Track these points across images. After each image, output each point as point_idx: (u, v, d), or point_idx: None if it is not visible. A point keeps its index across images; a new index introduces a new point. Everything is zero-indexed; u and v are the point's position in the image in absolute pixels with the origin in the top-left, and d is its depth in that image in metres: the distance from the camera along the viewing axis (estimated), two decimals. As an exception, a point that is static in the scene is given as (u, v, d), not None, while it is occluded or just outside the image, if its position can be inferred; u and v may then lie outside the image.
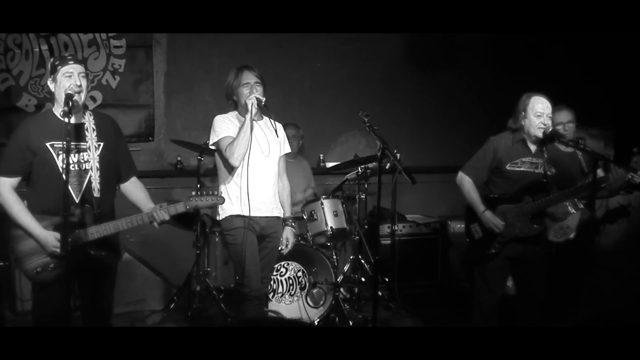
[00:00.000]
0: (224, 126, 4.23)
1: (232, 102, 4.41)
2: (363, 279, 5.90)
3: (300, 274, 5.46)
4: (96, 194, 3.54)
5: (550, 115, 4.28)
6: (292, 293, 5.43)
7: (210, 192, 3.70)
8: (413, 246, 6.60)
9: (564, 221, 4.80)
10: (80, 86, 3.50)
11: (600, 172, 4.43)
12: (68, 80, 3.49)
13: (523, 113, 4.31)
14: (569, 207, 4.75)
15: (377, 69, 7.25)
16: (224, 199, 3.80)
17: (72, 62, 3.53)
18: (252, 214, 4.18)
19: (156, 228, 3.68)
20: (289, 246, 4.43)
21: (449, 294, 6.47)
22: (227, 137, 4.20)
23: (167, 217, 3.63)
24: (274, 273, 5.32)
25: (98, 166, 3.57)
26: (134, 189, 3.85)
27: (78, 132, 3.55)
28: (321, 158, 7.11)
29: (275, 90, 6.90)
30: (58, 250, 3.37)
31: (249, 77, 4.30)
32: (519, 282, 4.56)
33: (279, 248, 4.42)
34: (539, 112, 4.25)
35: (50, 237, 3.45)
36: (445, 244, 6.67)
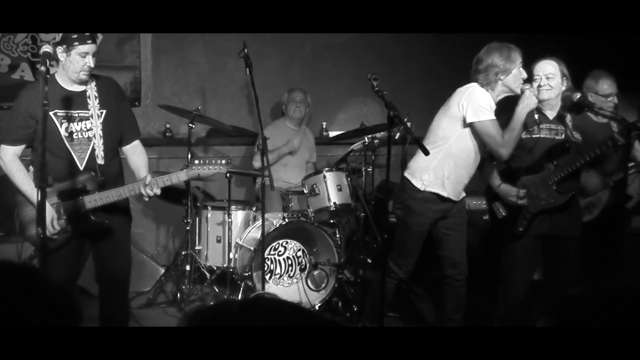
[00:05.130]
0: None
1: None
2: (369, 260, 5.88)
3: (300, 253, 5.45)
4: (100, 161, 3.82)
5: (551, 76, 4.20)
6: (291, 275, 5.42)
7: (215, 161, 3.84)
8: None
9: (591, 197, 4.77)
10: (91, 67, 3.75)
11: (637, 146, 4.39)
12: (82, 59, 3.70)
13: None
14: (597, 181, 4.71)
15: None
16: (227, 169, 3.95)
17: (89, 41, 3.72)
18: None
19: (145, 200, 3.88)
20: None
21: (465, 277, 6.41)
22: None
23: (156, 191, 3.78)
24: (271, 252, 5.32)
25: (101, 134, 3.83)
26: (132, 154, 4.06)
27: (80, 100, 3.81)
28: (324, 127, 7.08)
29: (273, 53, 6.86)
30: (50, 227, 3.64)
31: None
32: (547, 265, 4.54)
33: None
34: (536, 75, 4.23)
35: (51, 213, 3.68)
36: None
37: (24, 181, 3.77)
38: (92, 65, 3.75)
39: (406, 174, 4.40)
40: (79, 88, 3.83)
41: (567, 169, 4.21)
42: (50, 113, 3.70)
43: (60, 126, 3.76)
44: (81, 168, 3.79)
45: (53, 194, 3.74)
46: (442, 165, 4.26)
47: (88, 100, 3.83)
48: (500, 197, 4.37)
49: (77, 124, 3.79)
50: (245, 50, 4.69)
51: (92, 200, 3.76)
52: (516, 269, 4.38)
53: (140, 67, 6.42)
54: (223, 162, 3.84)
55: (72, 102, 3.80)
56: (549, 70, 4.18)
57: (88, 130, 3.81)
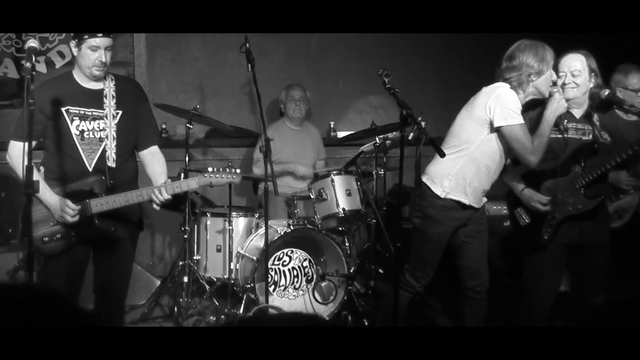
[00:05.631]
0: None
1: None
2: (381, 271, 5.85)
3: (306, 263, 5.42)
4: (111, 163, 3.85)
5: (576, 73, 4.15)
6: (297, 286, 5.40)
7: (230, 170, 3.91)
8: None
9: (622, 201, 4.72)
10: (104, 63, 3.78)
11: None
12: (93, 53, 3.75)
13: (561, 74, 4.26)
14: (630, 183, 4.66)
15: (397, 21, 7.16)
16: (240, 178, 4.00)
17: (100, 34, 3.74)
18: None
19: (156, 209, 3.90)
20: None
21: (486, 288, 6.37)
22: None
23: (166, 197, 3.82)
24: (275, 262, 5.28)
25: (115, 135, 3.88)
26: (150, 160, 4.08)
27: (96, 98, 3.87)
28: (331, 127, 7.07)
29: (276, 47, 6.83)
30: (67, 216, 3.72)
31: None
32: (574, 275, 4.49)
33: None
34: (561, 72, 4.19)
35: (61, 202, 3.74)
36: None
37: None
38: (105, 60, 3.77)
39: (425, 179, 4.33)
40: (96, 86, 3.88)
41: (596, 172, 4.15)
42: (63, 109, 3.80)
43: (71, 123, 3.81)
44: (90, 169, 3.83)
45: (61, 195, 3.79)
46: (464, 171, 4.20)
47: (104, 99, 3.88)
48: (522, 202, 4.32)
49: (90, 123, 3.84)
50: (247, 45, 4.67)
51: (99, 204, 3.77)
52: (541, 281, 4.34)
53: (134, 63, 6.45)
54: (237, 171, 3.91)
55: (87, 99, 3.84)
56: (575, 66, 4.13)
57: (101, 130, 3.85)
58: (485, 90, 4.19)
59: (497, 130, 4.10)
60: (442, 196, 4.21)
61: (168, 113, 5.84)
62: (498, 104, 4.06)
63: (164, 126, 6.44)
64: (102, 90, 3.89)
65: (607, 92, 4.16)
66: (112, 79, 3.95)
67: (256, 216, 5.72)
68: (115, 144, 3.87)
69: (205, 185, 3.95)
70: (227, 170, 3.92)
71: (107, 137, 3.86)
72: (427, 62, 7.26)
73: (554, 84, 4.14)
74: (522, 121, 4.06)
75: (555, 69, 4.18)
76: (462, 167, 4.19)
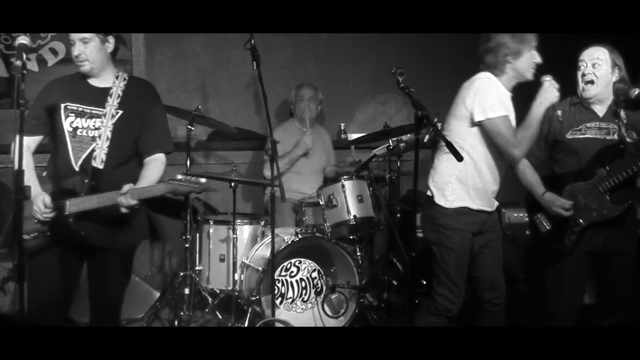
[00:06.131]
0: None
1: None
2: (395, 282, 5.85)
3: (315, 274, 5.43)
4: (97, 164, 3.82)
5: (597, 63, 4.15)
6: (306, 299, 5.40)
7: (196, 179, 3.76)
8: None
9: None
10: (77, 56, 3.82)
11: None
12: (73, 48, 3.83)
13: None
14: None
15: (412, 17, 7.16)
16: (203, 189, 3.82)
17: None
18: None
19: (125, 213, 3.77)
20: None
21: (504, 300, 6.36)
22: None
23: (132, 202, 3.70)
24: (282, 273, 5.28)
25: (109, 135, 3.86)
26: (147, 166, 4.00)
27: (99, 97, 3.90)
28: (342, 128, 7.06)
29: (283, 44, 6.84)
30: (36, 213, 3.73)
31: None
32: (599, 286, 4.48)
33: None
34: (581, 62, 4.22)
35: (37, 198, 3.74)
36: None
37: (30, 179, 3.72)
38: (79, 53, 3.81)
39: (431, 187, 4.28)
40: (103, 84, 3.92)
41: (622, 175, 4.14)
42: (62, 105, 3.85)
43: (65, 120, 3.85)
44: (76, 168, 3.83)
45: (47, 192, 3.80)
46: (464, 175, 4.16)
47: (108, 98, 3.89)
48: (543, 207, 4.32)
49: (86, 121, 3.86)
50: (252, 42, 4.67)
51: (74, 205, 3.74)
52: (564, 292, 4.33)
53: (132, 61, 6.46)
54: (202, 180, 3.73)
55: (90, 97, 3.88)
56: (597, 56, 4.15)
57: (95, 129, 3.85)
58: (465, 84, 4.20)
59: (479, 125, 4.08)
60: (448, 206, 4.17)
61: (168, 114, 5.81)
62: (476, 98, 4.06)
63: (163, 128, 6.44)
64: (108, 88, 3.92)
65: (637, 91, 4.15)
66: (124, 79, 3.97)
67: (262, 224, 5.71)
68: (107, 144, 3.85)
69: (170, 192, 3.77)
70: (193, 179, 3.74)
71: (99, 136, 3.84)
72: (443, 62, 7.24)
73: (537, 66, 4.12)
74: (504, 113, 4.03)
75: (576, 59, 4.19)
76: (461, 171, 4.15)
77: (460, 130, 4.15)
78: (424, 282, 5.97)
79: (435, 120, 4.35)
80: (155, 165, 3.99)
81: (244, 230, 5.68)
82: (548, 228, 4.34)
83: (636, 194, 4.33)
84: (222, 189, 5.79)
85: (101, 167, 3.82)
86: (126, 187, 3.71)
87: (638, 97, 4.14)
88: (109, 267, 4.00)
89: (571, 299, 4.34)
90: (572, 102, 4.33)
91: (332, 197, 5.47)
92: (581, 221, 4.21)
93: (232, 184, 5.31)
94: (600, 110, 4.26)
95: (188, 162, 5.49)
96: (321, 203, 5.52)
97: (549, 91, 4.05)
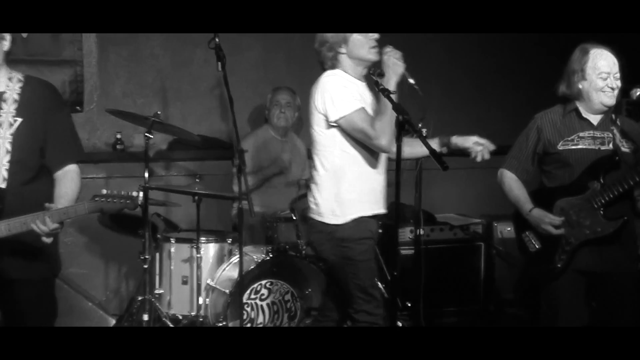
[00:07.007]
0: None
1: None
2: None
3: (288, 297, 5.46)
4: (0, 183, 3.57)
5: (618, 75, 4.23)
6: (278, 324, 5.42)
7: (127, 194, 3.60)
8: (446, 257, 6.61)
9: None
10: None
11: None
12: None
13: (580, 74, 4.28)
14: None
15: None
16: (136, 204, 3.67)
17: None
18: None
19: (45, 242, 3.56)
20: None
21: (495, 323, 6.45)
22: None
23: (52, 227, 3.51)
24: (252, 296, 5.30)
25: (9, 148, 3.61)
26: (60, 181, 3.80)
27: None
28: (316, 136, 7.03)
29: (253, 43, 6.85)
30: None
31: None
32: (597, 307, 4.51)
33: None
34: (603, 73, 4.21)
35: None
36: (490, 254, 6.68)
37: None
38: None
39: (313, 216, 4.35)
40: None
41: (617, 189, 4.18)
42: None
43: None
44: None
45: None
46: (344, 184, 4.20)
47: (3, 104, 3.64)
48: (531, 225, 4.37)
49: None
50: (217, 40, 4.64)
51: None
52: (559, 316, 4.37)
53: (83, 62, 6.42)
54: (134, 194, 3.59)
55: None
56: (617, 68, 4.21)
57: None
58: (313, 88, 4.27)
59: (337, 125, 4.14)
60: (342, 222, 4.20)
61: (123, 121, 5.82)
62: (325, 97, 4.14)
63: (118, 136, 6.43)
64: (2, 93, 3.67)
65: (639, 92, 4.22)
66: (19, 80, 3.73)
67: (229, 242, 5.72)
68: (8, 159, 3.61)
69: (97, 211, 3.62)
70: (123, 194, 3.58)
71: None
72: (428, 63, 7.25)
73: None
74: (357, 106, 4.10)
75: (582, 65, 4.24)
76: (339, 181, 4.20)
77: (323, 139, 4.23)
78: (408, 304, 6.03)
79: (420, 125, 4.36)
80: (70, 179, 3.80)
81: (209, 249, 5.69)
82: (537, 247, 4.38)
83: (632, 208, 4.37)
84: (184, 204, 5.81)
85: (4, 186, 3.59)
86: (50, 206, 3.54)
87: (639, 99, 4.22)
88: (24, 299, 3.78)
89: (564, 322, 4.33)
90: (567, 110, 4.37)
91: (306, 211, 5.49)
92: (572, 240, 4.25)
93: (196, 197, 5.33)
94: (594, 119, 4.31)
95: (146, 174, 5.43)
96: (294, 218, 5.55)
97: (393, 64, 4.11)
